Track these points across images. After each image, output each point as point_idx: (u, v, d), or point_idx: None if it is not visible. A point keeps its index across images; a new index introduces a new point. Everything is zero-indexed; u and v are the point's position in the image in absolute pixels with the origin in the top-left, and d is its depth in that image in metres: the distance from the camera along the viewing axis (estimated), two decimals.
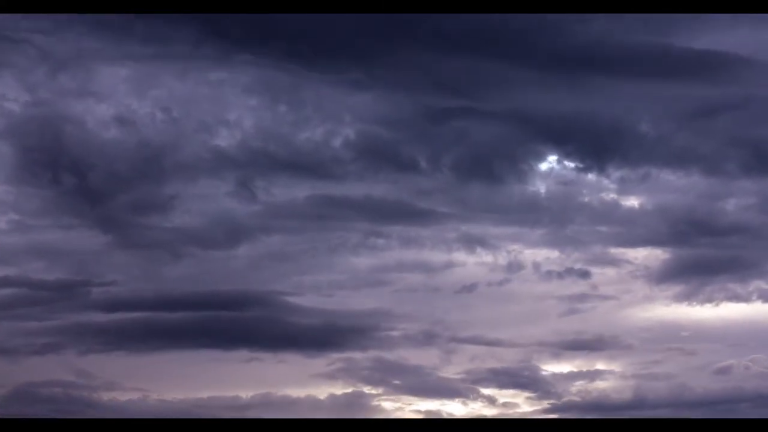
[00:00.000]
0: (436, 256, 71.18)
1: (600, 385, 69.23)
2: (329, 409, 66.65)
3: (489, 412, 66.62)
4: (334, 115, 73.28)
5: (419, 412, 67.57)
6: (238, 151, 71.92)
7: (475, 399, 68.20)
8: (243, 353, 69.55)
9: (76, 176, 69.92)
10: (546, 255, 72.47)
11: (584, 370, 70.03)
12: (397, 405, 68.19)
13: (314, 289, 70.02)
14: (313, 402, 68.04)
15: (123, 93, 71.01)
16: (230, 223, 70.98)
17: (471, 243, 72.46)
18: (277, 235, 71.62)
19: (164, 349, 69.42)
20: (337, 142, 72.67)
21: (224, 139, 71.85)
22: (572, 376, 69.42)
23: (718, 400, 67.38)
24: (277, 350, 69.31)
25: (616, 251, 72.18)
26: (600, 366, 70.08)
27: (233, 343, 68.97)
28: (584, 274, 71.63)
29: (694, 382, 68.79)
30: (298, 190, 71.06)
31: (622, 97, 72.65)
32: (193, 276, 70.71)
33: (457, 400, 68.06)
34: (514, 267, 72.16)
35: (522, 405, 67.98)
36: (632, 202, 73.15)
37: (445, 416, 66.09)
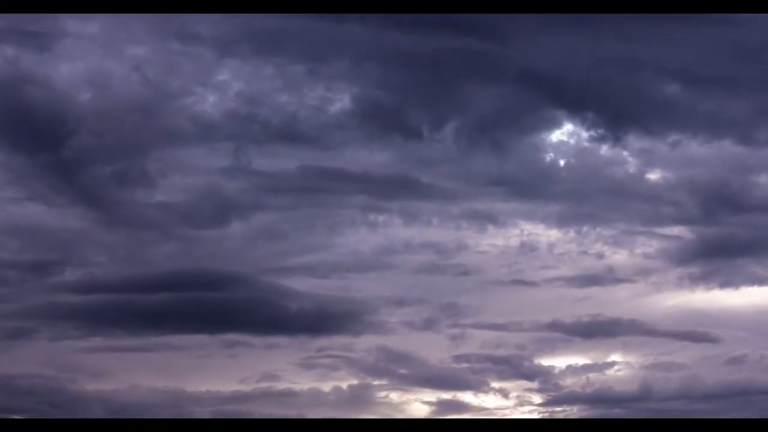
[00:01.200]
0: (442, 235, 67.32)
1: (610, 375, 65.65)
2: (335, 404, 63.40)
3: (501, 403, 64.34)
4: (327, 73, 67.56)
5: (431, 404, 64.47)
6: (225, 119, 66.93)
7: (487, 392, 64.82)
8: (231, 337, 65.61)
9: (50, 146, 65.00)
10: (560, 235, 68.08)
11: (597, 360, 66.34)
12: (404, 398, 64.72)
13: (309, 271, 66.16)
14: (317, 395, 64.17)
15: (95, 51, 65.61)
16: (219, 198, 66.30)
17: (480, 220, 67.87)
18: (270, 211, 67.13)
19: (145, 333, 65.41)
20: (332, 108, 67.69)
21: (209, 105, 66.91)
22: (585, 368, 65.96)
23: (729, 393, 63.61)
24: (268, 335, 65.47)
25: (635, 230, 67.68)
26: (611, 354, 66.18)
27: (220, 327, 65.15)
28: (600, 256, 67.26)
29: (707, 373, 64.78)
30: (291, 162, 66.70)
31: (643, 47, 66.07)
32: (180, 256, 66.29)
33: (468, 392, 64.75)
34: (526, 248, 67.75)
35: (533, 397, 65.08)
36: (655, 175, 68.48)
37: (458, 405, 64.11)
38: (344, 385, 63.83)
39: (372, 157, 66.86)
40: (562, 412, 63.34)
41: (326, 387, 63.58)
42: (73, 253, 64.98)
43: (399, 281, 65.91)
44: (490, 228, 67.37)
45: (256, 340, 64.83)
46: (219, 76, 66.57)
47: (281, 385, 63.83)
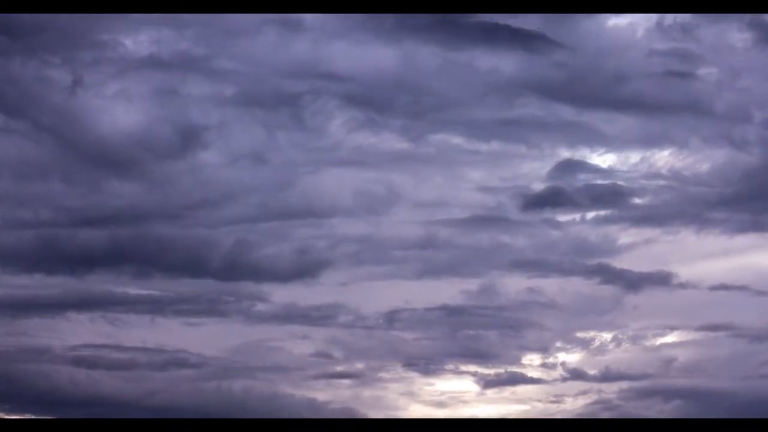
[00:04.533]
0: (456, 161, 56.76)
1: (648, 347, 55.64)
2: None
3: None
4: None
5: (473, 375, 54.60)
6: None
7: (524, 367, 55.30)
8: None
9: None
10: (612, 161, 57.45)
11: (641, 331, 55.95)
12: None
13: (290, 215, 55.53)
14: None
15: None
16: (183, 117, 55.29)
17: (508, 139, 56.48)
18: (243, 131, 56.17)
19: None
20: None
21: None
22: (631, 338, 56.24)
23: None
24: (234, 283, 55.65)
25: (711, 163, 56.48)
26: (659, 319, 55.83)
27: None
28: (659, 190, 56.17)
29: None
30: (262, 62, 55.40)
31: None
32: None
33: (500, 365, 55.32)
34: (563, 176, 56.04)
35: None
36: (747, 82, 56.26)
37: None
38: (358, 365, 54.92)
39: (367, 56, 55.27)
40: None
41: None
42: None
43: (398, 225, 55.68)
44: (522, 150, 56.61)
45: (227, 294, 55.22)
46: None
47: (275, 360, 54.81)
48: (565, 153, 56.84)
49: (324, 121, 55.71)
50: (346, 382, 53.88)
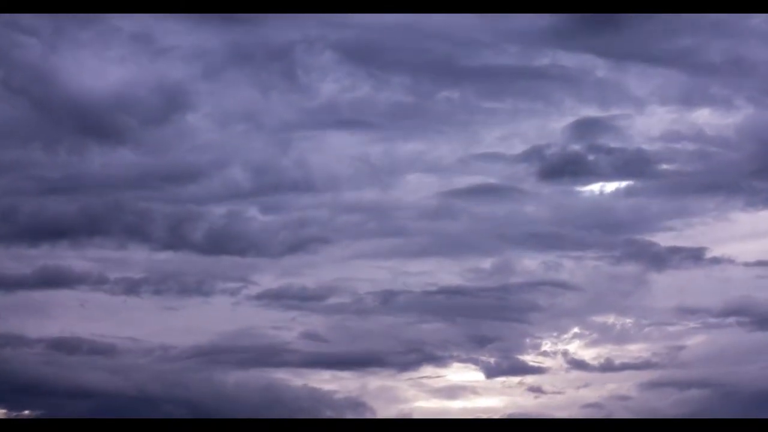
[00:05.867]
0: (466, 121, 51.82)
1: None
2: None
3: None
4: None
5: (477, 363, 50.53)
6: None
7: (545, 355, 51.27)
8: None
9: None
10: (644, 122, 51.55)
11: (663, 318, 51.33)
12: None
13: (284, 185, 50.89)
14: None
15: None
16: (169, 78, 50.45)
17: (523, 96, 51.47)
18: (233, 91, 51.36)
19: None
20: None
21: None
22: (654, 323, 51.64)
23: None
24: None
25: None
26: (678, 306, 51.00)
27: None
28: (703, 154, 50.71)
29: None
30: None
31: None
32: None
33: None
34: (580, 135, 50.90)
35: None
36: None
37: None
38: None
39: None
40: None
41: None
42: None
43: (402, 195, 51.58)
44: (541, 107, 51.66)
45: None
46: None
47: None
48: (590, 112, 51.96)
49: (319, 77, 50.80)
50: (346, 371, 49.73)
